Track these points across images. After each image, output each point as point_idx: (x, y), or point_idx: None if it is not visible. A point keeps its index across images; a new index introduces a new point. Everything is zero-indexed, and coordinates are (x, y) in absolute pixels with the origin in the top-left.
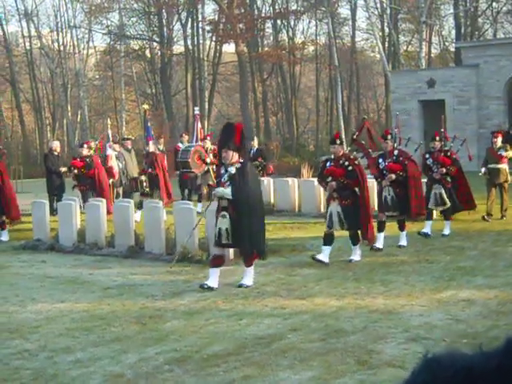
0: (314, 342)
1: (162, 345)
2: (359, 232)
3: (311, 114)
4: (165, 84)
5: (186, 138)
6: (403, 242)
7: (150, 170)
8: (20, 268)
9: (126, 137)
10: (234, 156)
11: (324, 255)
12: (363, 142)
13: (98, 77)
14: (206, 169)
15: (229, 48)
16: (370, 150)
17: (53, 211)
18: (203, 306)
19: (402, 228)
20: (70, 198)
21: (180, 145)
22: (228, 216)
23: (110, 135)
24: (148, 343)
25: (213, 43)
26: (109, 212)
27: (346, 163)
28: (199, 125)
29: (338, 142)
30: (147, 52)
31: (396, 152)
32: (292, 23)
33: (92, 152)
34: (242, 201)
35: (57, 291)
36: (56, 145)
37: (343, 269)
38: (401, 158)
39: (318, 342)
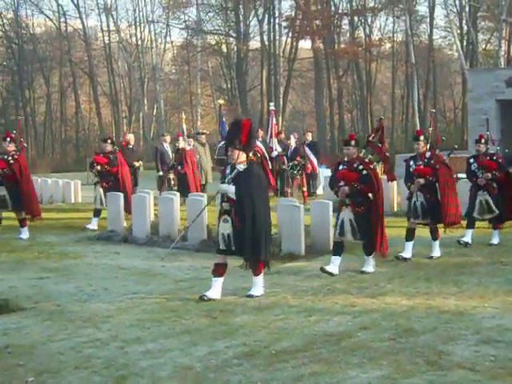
0: (384, 341)
1: (231, 339)
2: (372, 242)
3: (386, 112)
4: (240, 79)
5: (260, 133)
6: (436, 252)
7: (179, 167)
8: (94, 258)
9: (200, 131)
10: (240, 155)
11: (333, 266)
12: (380, 145)
13: (174, 71)
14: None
15: (305, 44)
16: (387, 154)
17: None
18: (273, 301)
19: (434, 237)
20: (144, 190)
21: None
22: (230, 221)
23: (185, 129)
24: (217, 337)
25: (289, 39)
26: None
27: (361, 167)
28: (274, 120)
29: (353, 143)
30: (223, 47)
31: (428, 154)
32: (369, 20)
33: (116, 148)
34: (246, 204)
35: (129, 282)
36: (130, 138)
37: (415, 268)
38: (432, 162)
39: (387, 341)
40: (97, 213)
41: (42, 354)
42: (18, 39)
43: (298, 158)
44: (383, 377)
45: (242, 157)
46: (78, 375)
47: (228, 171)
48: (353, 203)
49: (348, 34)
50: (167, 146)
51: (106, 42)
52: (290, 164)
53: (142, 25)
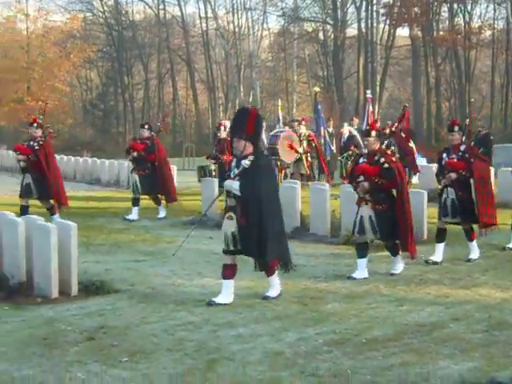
0: (477, 333)
1: (321, 326)
2: (398, 242)
3: (485, 101)
4: (337, 67)
5: (356, 121)
6: (474, 254)
7: (222, 156)
8: (187, 243)
9: (295, 118)
10: (247, 146)
11: (360, 271)
12: (403, 136)
13: (270, 58)
14: (297, 157)
15: (402, 32)
16: (412, 146)
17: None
18: (365, 290)
19: (470, 238)
20: None
21: (351, 128)
22: (235, 218)
23: (281, 116)
24: (308, 323)
25: (386, 26)
26: (173, 200)
27: (382, 160)
28: (370, 108)
29: (374, 133)
30: (320, 34)
31: (463, 147)
32: (469, 7)
33: (153, 134)
34: (252, 199)
35: (221, 267)
36: (227, 124)
37: (510, 261)
38: (466, 155)
39: (480, 333)
40: (135, 202)
41: (135, 335)
42: (118, 26)
43: (352, 148)
44: (475, 368)
45: (249, 148)
46: (171, 357)
47: (233, 163)
48: (374, 200)
49: (447, 22)
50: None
51: (204, 29)
52: (345, 154)
53: (240, 12)
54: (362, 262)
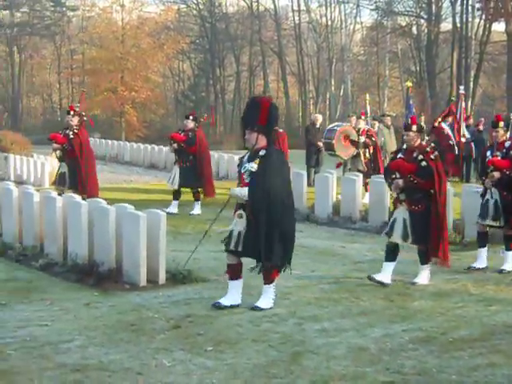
0: None
1: (408, 323)
2: (429, 248)
3: None
4: (430, 62)
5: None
6: (508, 265)
7: None
8: None
9: (386, 113)
10: (260, 139)
11: (384, 274)
12: (445, 133)
13: (362, 52)
14: (354, 152)
15: (498, 27)
16: (452, 143)
17: (310, 182)
18: (453, 288)
19: (507, 247)
20: (328, 170)
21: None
22: (245, 216)
23: (369, 111)
24: (394, 320)
25: (482, 21)
26: (209, 195)
27: (420, 157)
28: (463, 104)
29: (415, 128)
30: (414, 29)
31: (508, 144)
32: None
33: (196, 126)
34: (261, 198)
35: (309, 261)
36: (317, 118)
37: None
38: (511, 152)
39: None
40: (176, 195)
41: (221, 324)
42: (211, 18)
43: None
44: None
45: (262, 141)
46: (255, 348)
47: (246, 158)
48: (409, 200)
49: None
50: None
51: (296, 22)
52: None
53: (333, 5)
54: (388, 266)
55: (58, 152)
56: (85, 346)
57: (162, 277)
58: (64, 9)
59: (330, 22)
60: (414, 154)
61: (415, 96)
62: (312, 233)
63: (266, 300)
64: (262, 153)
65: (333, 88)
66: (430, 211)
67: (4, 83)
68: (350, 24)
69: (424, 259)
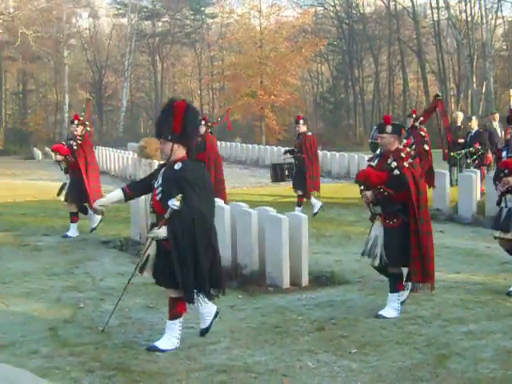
0: None
1: None
2: (408, 270)
3: None
4: None
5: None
6: None
7: (298, 153)
8: None
9: None
10: (176, 150)
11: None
12: (423, 134)
13: (505, 47)
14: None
15: None
16: (427, 149)
17: (453, 182)
18: None
19: None
20: (471, 170)
21: (491, 125)
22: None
23: None
24: None
25: None
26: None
27: (394, 164)
28: None
29: (390, 129)
30: None
31: None
32: None
33: (210, 130)
34: (177, 223)
35: (453, 262)
36: (458, 116)
37: None
38: None
39: None
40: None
41: (365, 327)
42: (349, 19)
43: (477, 145)
44: None
45: (180, 152)
46: (400, 350)
47: (162, 171)
48: (384, 214)
49: None
50: (496, 125)
51: (435, 19)
52: (463, 151)
53: (473, 0)
54: (393, 296)
55: (62, 164)
56: (230, 347)
57: (305, 279)
58: (203, 16)
59: (470, 18)
60: (388, 161)
61: None
62: (456, 233)
63: (167, 339)
64: (177, 166)
65: (474, 85)
66: (406, 228)
67: (148, 92)
68: (490, 19)
69: (394, 286)
